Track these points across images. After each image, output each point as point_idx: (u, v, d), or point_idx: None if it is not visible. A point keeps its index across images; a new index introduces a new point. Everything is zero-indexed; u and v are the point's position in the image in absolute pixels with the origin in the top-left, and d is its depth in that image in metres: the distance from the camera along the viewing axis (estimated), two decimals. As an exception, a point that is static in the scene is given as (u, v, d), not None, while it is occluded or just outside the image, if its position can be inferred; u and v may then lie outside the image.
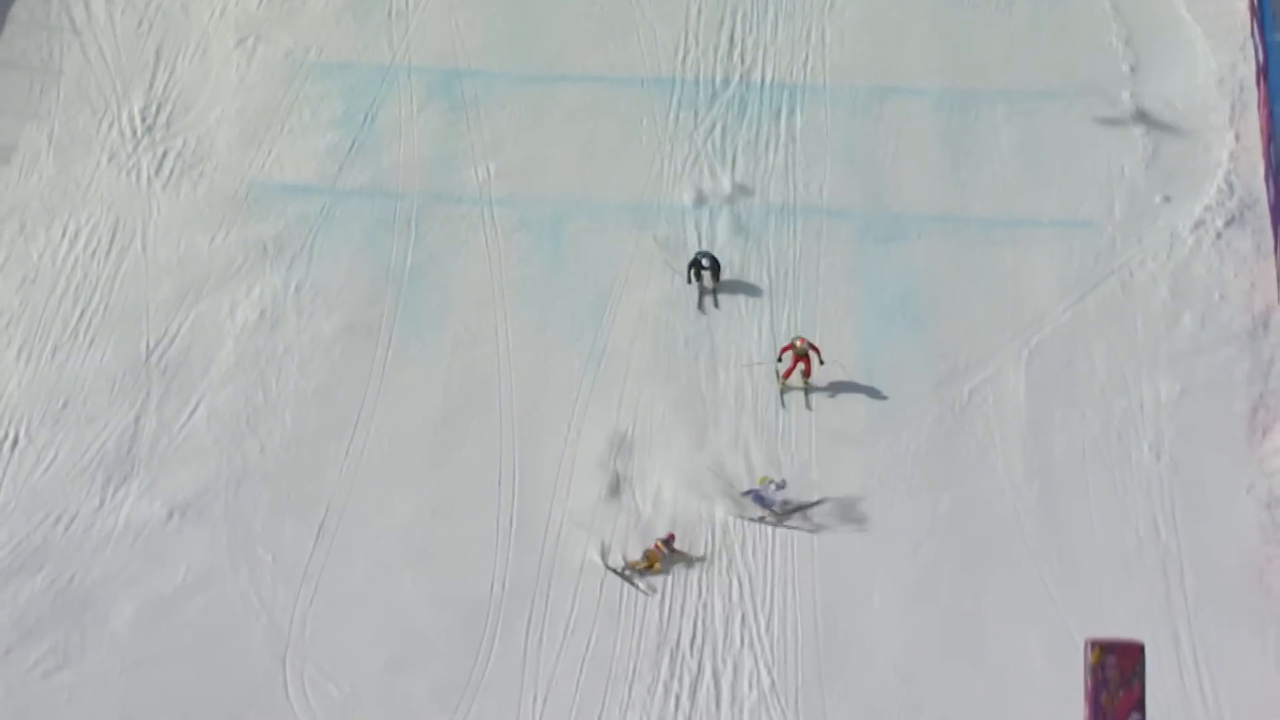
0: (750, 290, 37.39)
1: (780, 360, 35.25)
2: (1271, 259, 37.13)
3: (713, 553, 32.49)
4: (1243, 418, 34.60)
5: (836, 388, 35.54)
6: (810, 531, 33.13)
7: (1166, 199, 38.56)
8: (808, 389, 34.94)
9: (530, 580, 32.71)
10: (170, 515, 33.69)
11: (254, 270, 37.80)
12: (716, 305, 37.09)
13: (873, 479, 34.25)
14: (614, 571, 32.17)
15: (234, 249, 38.22)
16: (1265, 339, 35.85)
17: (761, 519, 33.15)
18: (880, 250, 37.80)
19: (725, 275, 37.10)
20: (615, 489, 33.87)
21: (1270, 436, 34.24)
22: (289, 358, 36.39)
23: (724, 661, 30.93)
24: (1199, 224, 38.02)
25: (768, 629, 31.55)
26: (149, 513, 33.69)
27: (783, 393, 35.02)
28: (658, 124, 40.45)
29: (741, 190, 39.08)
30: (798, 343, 35.19)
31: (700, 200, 38.89)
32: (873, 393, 35.61)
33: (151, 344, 36.54)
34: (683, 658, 31.02)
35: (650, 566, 32.15)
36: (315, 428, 35.27)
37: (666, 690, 30.23)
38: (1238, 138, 39.31)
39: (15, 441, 34.81)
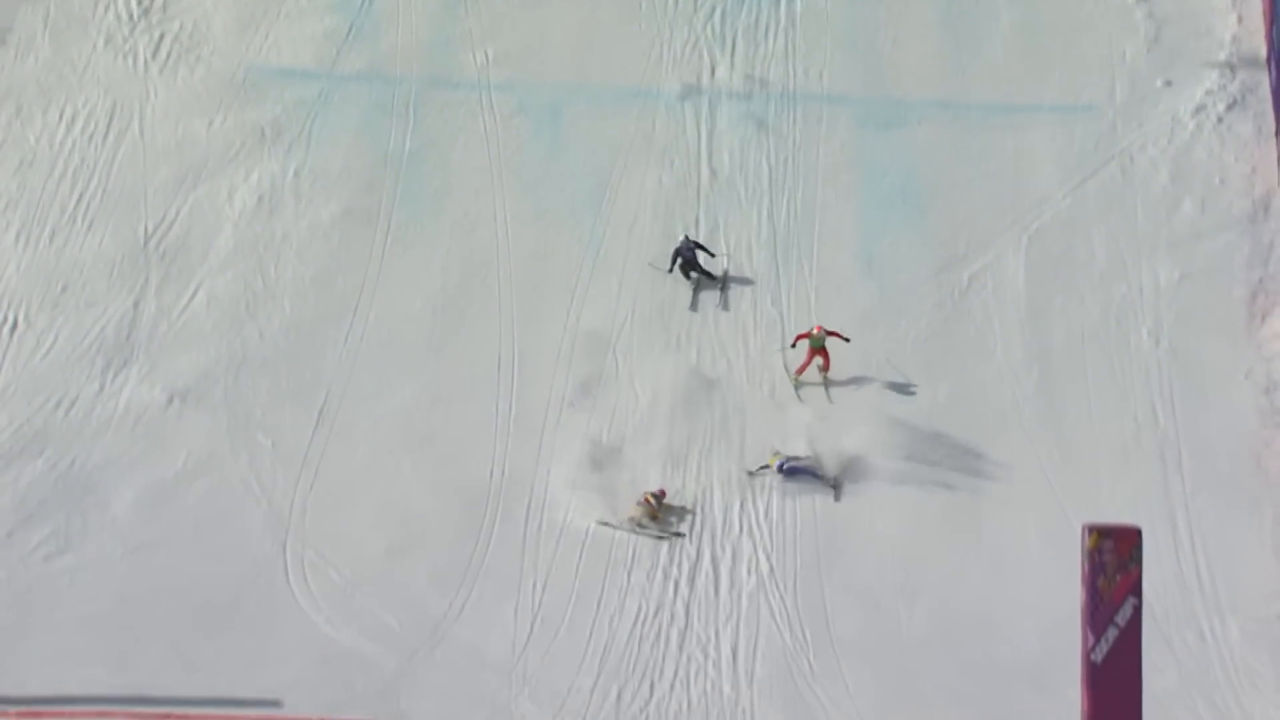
0: (749, 177, 37.27)
1: (793, 346, 33.29)
2: (1273, 143, 36.96)
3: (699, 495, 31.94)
4: (1242, 303, 34.54)
5: (837, 278, 35.44)
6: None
7: (1168, 83, 38.37)
8: (827, 384, 32.96)
9: (530, 465, 32.69)
10: (170, 400, 33.66)
11: (252, 155, 37.65)
12: (723, 288, 35.58)
13: (871, 366, 34.22)
14: (624, 528, 31.37)
15: (231, 134, 38.07)
16: (1265, 224, 35.75)
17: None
18: (880, 136, 37.65)
19: (732, 183, 36.69)
20: (587, 390, 33.88)
21: (1269, 321, 34.18)
22: (287, 243, 36.30)
23: (723, 548, 30.96)
24: (1200, 108, 37.85)
25: (766, 515, 31.61)
26: (149, 398, 33.67)
27: (797, 388, 33.01)
28: (657, 8, 40.20)
29: (741, 77, 38.88)
30: (814, 331, 33.10)
31: (697, 89, 38.68)
32: (872, 280, 35.56)
33: (150, 229, 36.46)
34: (681, 544, 31.08)
35: (653, 517, 31.34)
36: (314, 313, 35.18)
37: (665, 576, 30.26)
38: (1240, 20, 39.07)
39: (14, 326, 34.77)
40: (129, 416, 33.41)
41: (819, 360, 32.87)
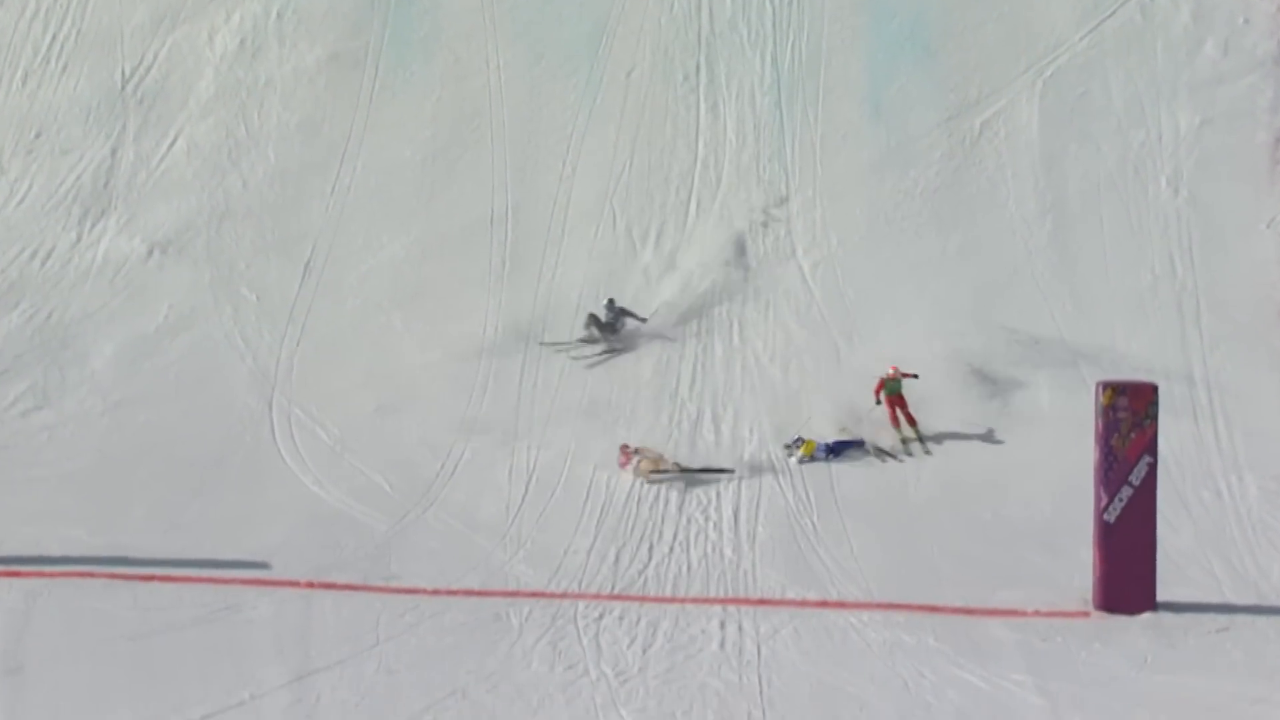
0: (752, 20, 36.79)
1: (878, 403, 30.17)
2: (1301, -18, 36.53)
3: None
4: (1264, 149, 34.26)
5: (843, 126, 35.16)
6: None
7: (1189, -83, 37.81)
8: (920, 438, 29.77)
9: (525, 322, 32.61)
10: (150, 252, 33.59)
11: (233, -5, 37.25)
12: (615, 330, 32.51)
13: (880, 217, 34.05)
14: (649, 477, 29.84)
15: (211, -29, 37.61)
16: (1290, 67, 35.50)
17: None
18: (889, -25, 37.17)
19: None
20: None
21: (1293, 168, 34.10)
22: (271, 89, 35.92)
23: (724, 406, 30.88)
24: (1224, -57, 37.32)
25: (769, 373, 31.50)
26: (128, 249, 33.60)
27: (905, 442, 29.87)
28: None
29: (744, -86, 38.32)
30: (889, 374, 30.24)
31: None
32: (880, 127, 35.27)
33: (127, 72, 36.01)
34: (681, 402, 30.98)
35: (657, 466, 29.65)
36: (300, 162, 35.01)
37: (665, 436, 30.20)
38: None
39: (-13, 173, 34.75)
40: (108, 268, 33.34)
41: (901, 412, 30.00)
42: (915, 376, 29.97)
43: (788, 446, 29.56)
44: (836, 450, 29.41)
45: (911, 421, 29.04)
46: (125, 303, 32.76)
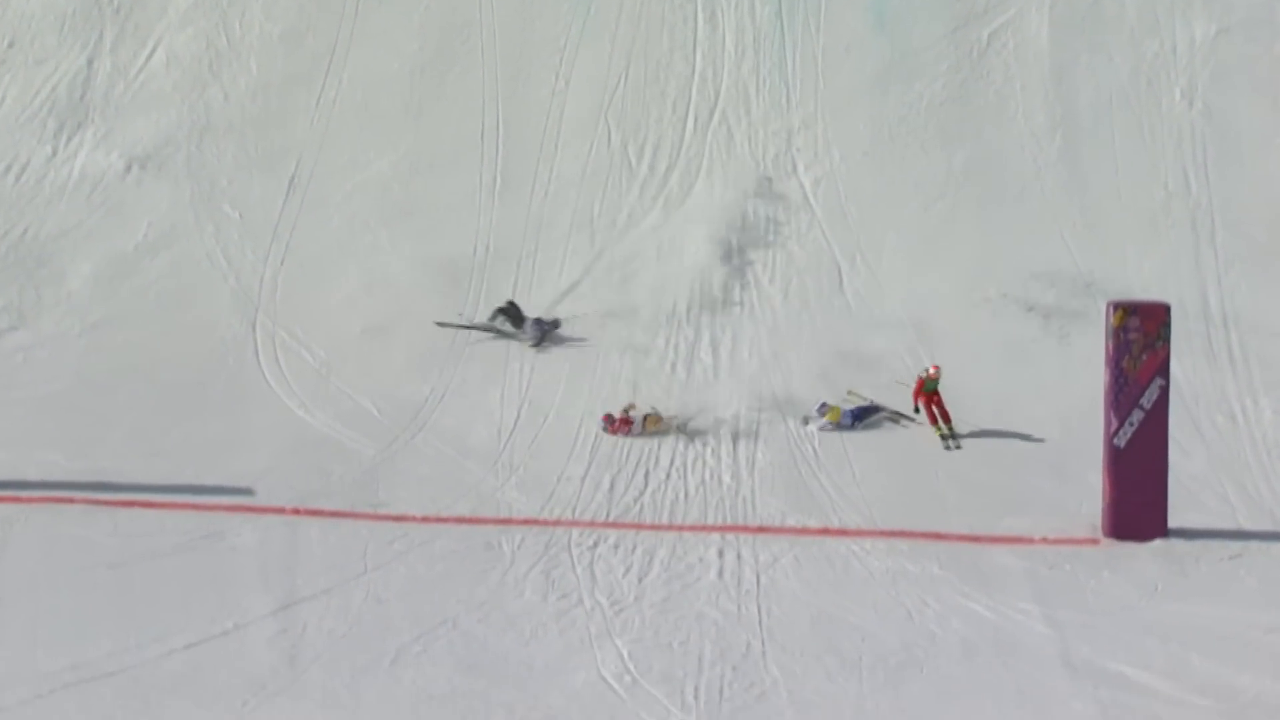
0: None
1: (917, 410, 28.63)
2: (1321, -120, 36.16)
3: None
4: (1283, 60, 34.26)
5: (846, 36, 34.94)
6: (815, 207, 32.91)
7: None
8: (954, 434, 28.33)
9: (516, 241, 32.54)
10: (129, 167, 33.40)
11: (212, -102, 36.87)
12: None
13: (883, 132, 33.89)
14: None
15: (189, -128, 37.20)
16: (1311, -27, 35.24)
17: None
18: (891, -125, 36.82)
19: None
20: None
21: (1312, 80, 33.94)
22: (253, -3, 35.85)
23: (723, 329, 30.79)
24: None
25: (768, 296, 31.40)
26: (106, 164, 33.42)
27: (945, 438, 28.27)
28: None
29: None
30: (929, 373, 28.78)
31: None
32: (884, 38, 35.04)
33: (102, -21, 35.87)
34: (679, 324, 30.87)
35: (655, 422, 28.81)
36: (283, 74, 34.82)
37: (662, 359, 30.14)
38: None
39: (-43, 85, 34.55)
40: (84, 184, 33.16)
41: (937, 408, 28.50)
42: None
43: (807, 419, 28.51)
44: (860, 416, 28.49)
45: (946, 418, 28.07)
46: (103, 220, 32.63)
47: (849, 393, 28.48)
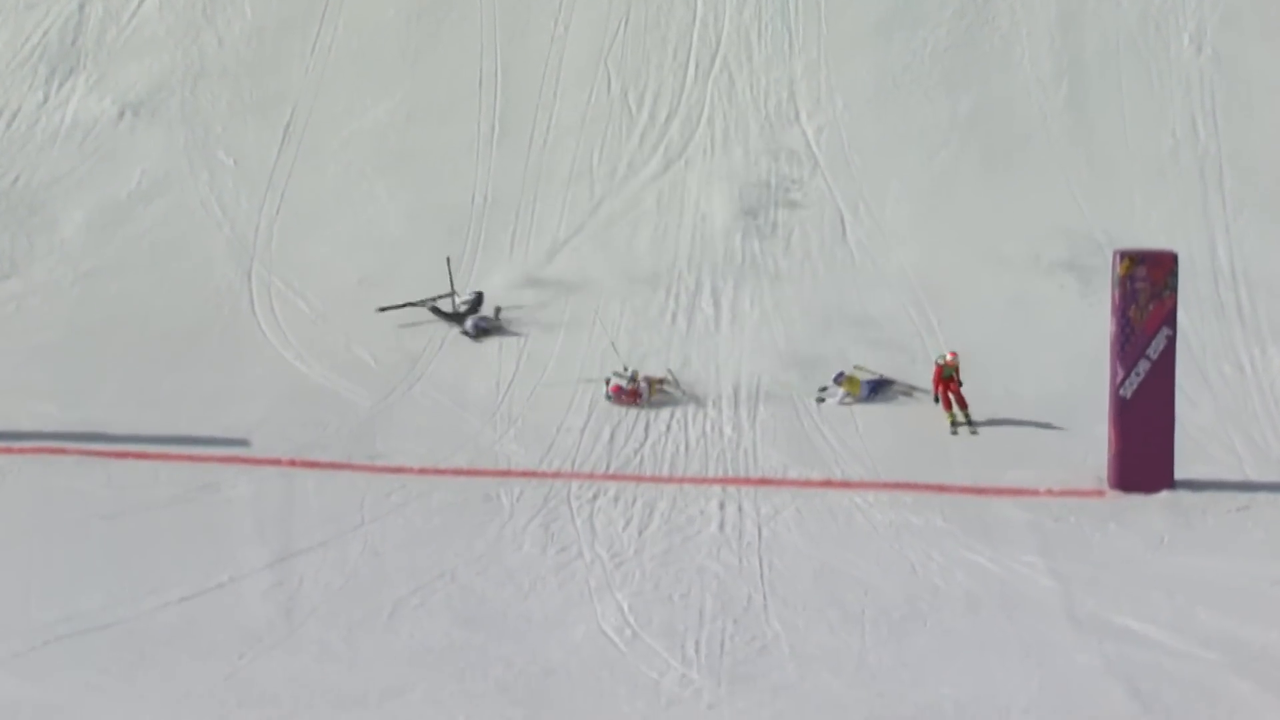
0: None
1: (936, 399, 27.61)
2: None
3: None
4: (1294, 5, 34.14)
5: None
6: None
7: None
8: (969, 420, 27.33)
9: (515, 191, 32.49)
10: (122, 113, 33.37)
11: None
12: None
13: (887, 79, 33.78)
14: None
15: None
16: (1323, -88, 35.03)
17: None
18: None
19: None
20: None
21: (1323, 26, 33.81)
22: (247, -61, 35.68)
23: (724, 278, 30.72)
24: None
25: (770, 245, 31.32)
26: (98, 110, 33.40)
27: (955, 425, 27.30)
28: None
29: None
30: (947, 359, 27.80)
31: None
32: (887, -17, 35.04)
33: (95, -80, 35.73)
34: (679, 274, 30.81)
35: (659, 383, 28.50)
36: (278, 19, 34.76)
37: (661, 310, 30.09)
38: None
39: (-54, 30, 34.51)
40: (77, 130, 33.16)
41: (954, 395, 27.47)
42: (960, 384, 27.52)
43: (823, 390, 27.96)
44: (875, 389, 28.00)
45: (963, 404, 27.26)
46: (96, 167, 32.63)
47: (855, 367, 28.13)
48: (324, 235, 31.74)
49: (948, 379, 27.47)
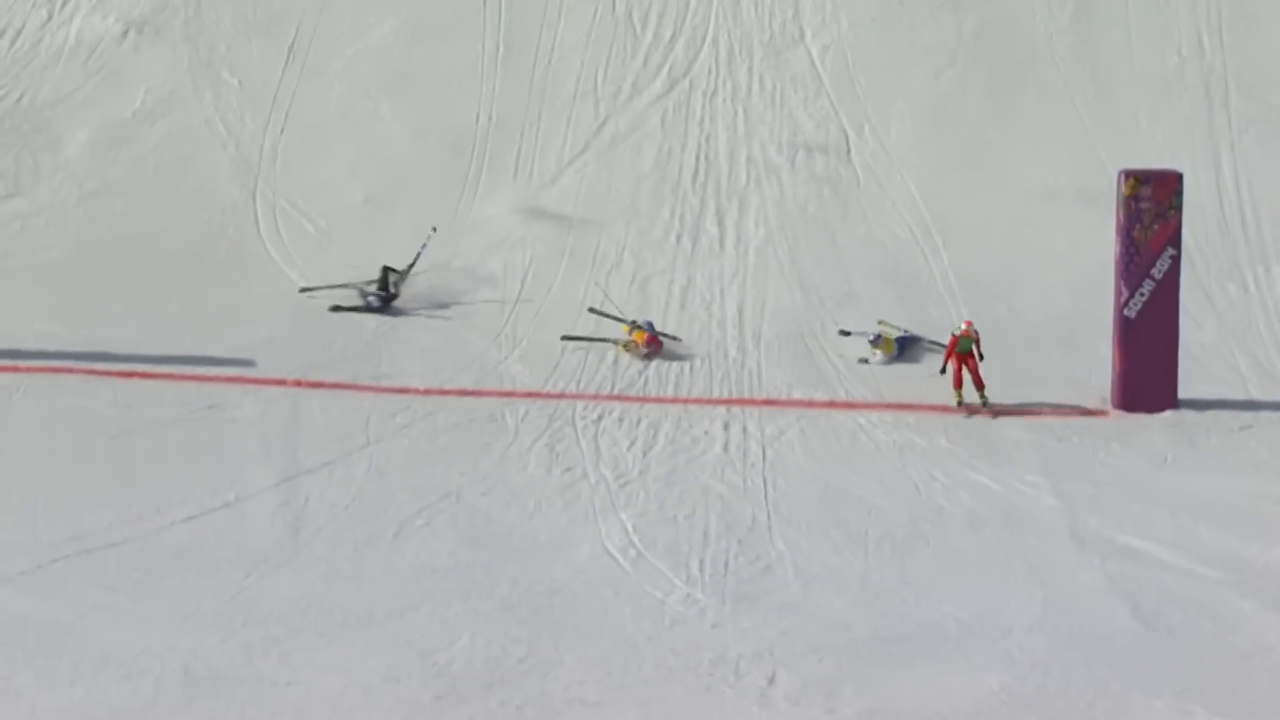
0: None
1: (943, 370, 25.49)
2: None
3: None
4: (1303, -84, 33.78)
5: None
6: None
7: None
8: (985, 403, 25.28)
9: (520, 110, 32.33)
10: (126, 32, 33.17)
11: None
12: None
13: (888, 9, 33.51)
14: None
15: None
16: None
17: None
18: None
19: None
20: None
21: (1332, -62, 33.44)
22: None
23: (729, 199, 30.59)
24: None
25: (775, 163, 31.19)
26: (102, 28, 33.19)
27: (960, 404, 25.31)
28: None
29: None
30: (961, 330, 25.65)
31: None
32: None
33: None
34: (684, 195, 30.68)
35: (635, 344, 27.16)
36: (282, -63, 34.49)
37: (666, 231, 29.98)
38: None
39: (-53, -55, 34.22)
40: (81, 49, 32.95)
41: (968, 371, 25.41)
42: (981, 357, 25.42)
43: (864, 360, 26.73)
44: (905, 346, 26.95)
45: (979, 383, 25.23)
46: (100, 86, 32.46)
47: (880, 322, 27.39)
48: (328, 155, 31.63)
49: (964, 353, 25.42)
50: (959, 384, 25.28)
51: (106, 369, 26.10)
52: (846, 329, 27.33)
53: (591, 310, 27.63)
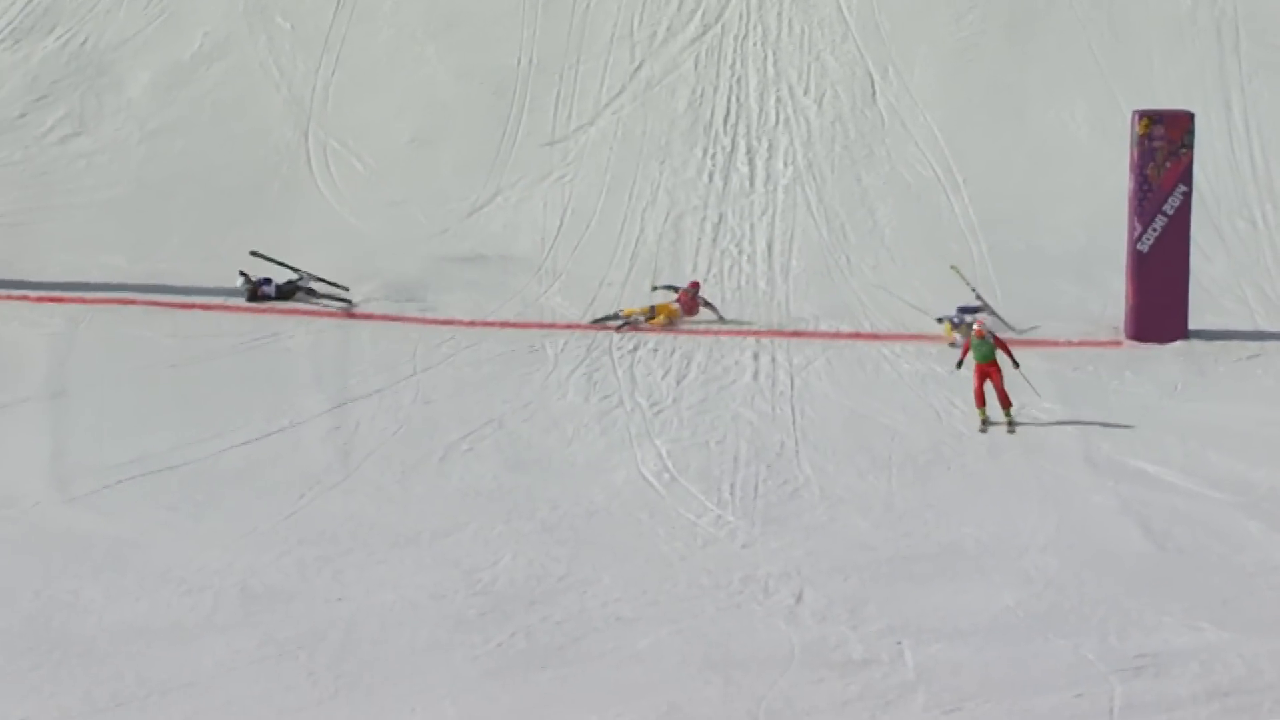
0: None
1: (960, 366, 22.88)
2: None
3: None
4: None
5: None
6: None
7: None
8: (1011, 423, 22.28)
9: (559, 53, 32.12)
10: (184, -21, 33.15)
11: None
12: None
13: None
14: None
15: None
16: None
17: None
18: None
19: None
20: None
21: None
22: None
23: (759, 139, 30.39)
24: None
25: (803, 105, 30.95)
26: (162, -27, 33.20)
27: (985, 425, 22.32)
28: None
29: None
30: (975, 331, 22.70)
31: None
32: None
33: None
34: (716, 135, 30.49)
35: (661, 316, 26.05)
36: (330, -115, 34.21)
37: (699, 170, 29.80)
38: None
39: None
40: (142, -7, 32.93)
41: (992, 386, 22.27)
42: (1016, 365, 22.49)
43: (941, 320, 25.07)
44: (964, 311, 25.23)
45: (1005, 400, 22.29)
46: (160, 29, 32.28)
47: (952, 267, 26.21)
48: (376, 96, 31.46)
49: (985, 362, 22.28)
50: (981, 400, 22.29)
51: (167, 300, 26.12)
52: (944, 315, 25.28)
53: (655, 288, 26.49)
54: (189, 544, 19.22)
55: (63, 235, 28.11)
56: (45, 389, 23.43)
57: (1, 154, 30.09)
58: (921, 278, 26.82)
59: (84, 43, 32.06)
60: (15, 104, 31.03)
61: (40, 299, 26.19)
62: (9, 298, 26.20)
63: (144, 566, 18.56)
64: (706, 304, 25.98)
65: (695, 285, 26.16)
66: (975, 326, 22.99)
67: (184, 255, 27.49)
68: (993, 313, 25.34)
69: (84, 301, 26.03)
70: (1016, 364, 22.48)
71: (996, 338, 22.72)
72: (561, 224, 28.69)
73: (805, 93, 31.22)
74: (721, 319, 25.84)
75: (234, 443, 21.78)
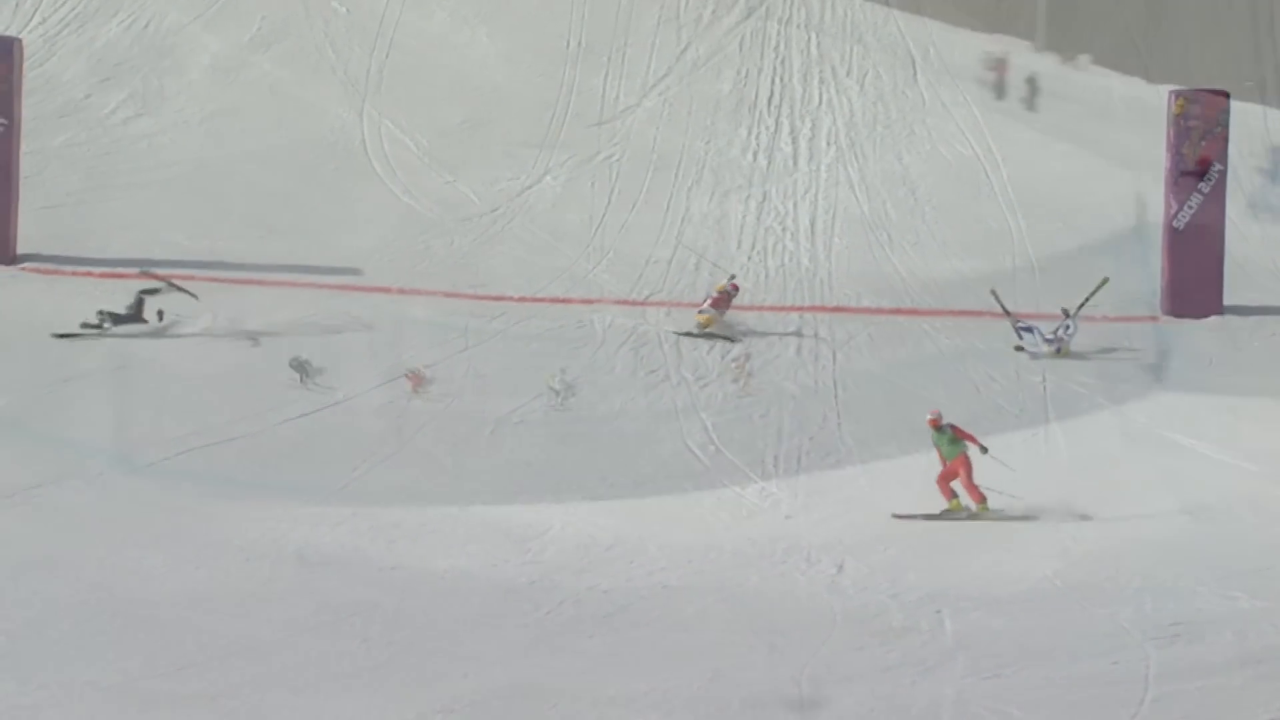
0: None
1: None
2: None
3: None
4: None
5: None
6: None
7: None
8: (984, 512, 19.46)
9: (607, 35, 32.10)
10: (243, -37, 33.17)
11: None
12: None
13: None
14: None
15: None
16: None
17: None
18: None
19: None
20: None
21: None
22: None
23: (802, 119, 30.29)
24: None
25: (845, 88, 30.86)
26: (221, -39, 33.20)
27: (948, 513, 19.51)
28: None
29: None
30: (929, 420, 19.74)
31: None
32: None
33: None
34: (760, 115, 30.39)
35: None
36: None
37: (744, 148, 29.74)
38: None
39: None
40: (202, -20, 32.93)
41: (959, 482, 19.56)
42: (984, 450, 19.37)
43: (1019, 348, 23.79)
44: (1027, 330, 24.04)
45: (978, 498, 19.41)
46: (219, 13, 32.30)
47: (991, 292, 24.41)
48: (430, 79, 31.43)
49: (949, 457, 19.44)
50: (948, 494, 19.40)
51: (226, 277, 26.11)
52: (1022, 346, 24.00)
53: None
54: (246, 513, 19.22)
55: (125, 214, 28.09)
56: (109, 362, 23.48)
57: (67, 135, 30.10)
58: (960, 255, 26.72)
59: (146, 26, 32.08)
60: (80, 86, 31.01)
61: (103, 275, 26.23)
62: (75, 273, 26.24)
63: (204, 536, 18.55)
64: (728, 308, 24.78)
65: (735, 288, 25.24)
66: (929, 416, 19.67)
67: (243, 233, 27.46)
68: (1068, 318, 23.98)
69: (146, 278, 25.99)
70: (984, 449, 19.32)
71: (955, 427, 19.56)
72: (609, 202, 28.63)
73: (848, 74, 31.10)
74: (730, 339, 24.36)
75: (290, 415, 21.77)
